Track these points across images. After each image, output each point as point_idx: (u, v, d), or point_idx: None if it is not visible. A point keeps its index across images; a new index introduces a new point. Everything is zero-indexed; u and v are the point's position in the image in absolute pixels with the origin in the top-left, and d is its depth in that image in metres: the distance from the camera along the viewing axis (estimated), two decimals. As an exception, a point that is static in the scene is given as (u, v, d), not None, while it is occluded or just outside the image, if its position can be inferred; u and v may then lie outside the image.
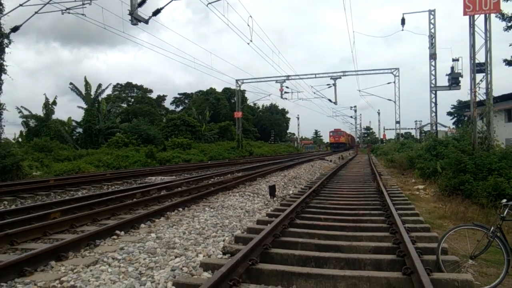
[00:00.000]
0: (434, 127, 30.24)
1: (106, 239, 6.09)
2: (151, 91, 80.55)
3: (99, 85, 40.28)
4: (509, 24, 21.96)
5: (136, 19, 14.18)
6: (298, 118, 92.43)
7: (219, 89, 77.02)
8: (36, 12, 16.34)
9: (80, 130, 40.57)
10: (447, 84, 29.27)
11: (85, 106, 39.19)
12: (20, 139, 34.57)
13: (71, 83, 40.04)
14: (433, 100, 29.82)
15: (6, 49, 17.12)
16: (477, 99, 12.38)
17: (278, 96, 42.14)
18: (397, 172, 20.65)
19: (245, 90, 62.26)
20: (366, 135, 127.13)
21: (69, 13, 16.24)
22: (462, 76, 28.13)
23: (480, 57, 12.27)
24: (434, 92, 29.72)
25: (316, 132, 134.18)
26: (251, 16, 22.22)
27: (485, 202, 9.04)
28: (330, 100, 42.05)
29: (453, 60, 28.09)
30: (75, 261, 5.03)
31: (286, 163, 25.33)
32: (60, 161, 23.39)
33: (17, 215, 7.81)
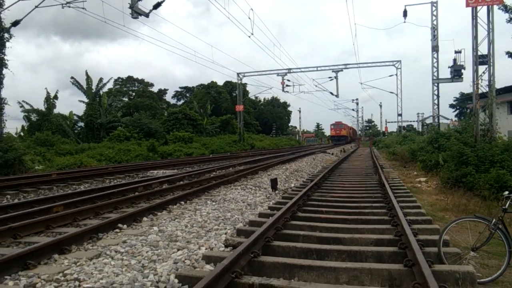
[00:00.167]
0: (436, 120, 30.15)
1: (109, 233, 6.12)
2: (152, 85, 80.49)
3: (100, 79, 40.32)
4: (512, 16, 21.76)
5: (136, 13, 14.12)
6: (299, 111, 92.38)
7: (220, 82, 76.90)
8: (36, 6, 16.31)
9: (81, 124, 40.62)
10: (449, 76, 29.12)
11: (86, 100, 39.22)
12: (22, 134, 34.62)
13: (72, 77, 40.07)
14: (435, 92, 29.69)
15: (7, 44, 17.15)
16: (480, 91, 12.34)
17: (279, 89, 42.15)
18: (399, 165, 20.65)
19: (246, 84, 62.20)
20: (368, 128, 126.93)
21: (69, 7, 16.21)
22: (464, 68, 27.99)
23: (483, 49, 12.22)
24: (436, 84, 29.57)
25: (317, 125, 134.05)
26: (252, 9, 22.17)
27: (487, 194, 9.04)
28: (331, 93, 42.02)
29: (456, 52, 27.93)
30: (78, 254, 5.05)
31: (287, 156, 25.33)
32: (62, 155, 23.45)
33: (20, 209, 7.85)
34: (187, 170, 17.08)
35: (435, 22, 29.47)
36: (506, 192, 4.71)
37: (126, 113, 53.03)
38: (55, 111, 37.84)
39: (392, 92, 43.29)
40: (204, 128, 49.44)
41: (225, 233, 5.98)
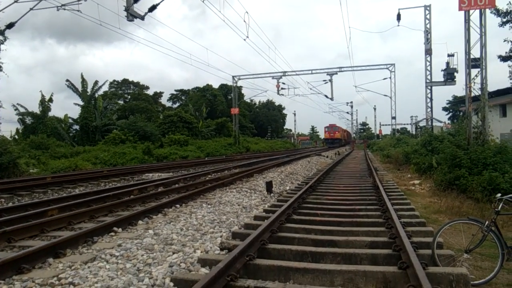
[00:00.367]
0: (429, 123, 30.35)
1: (104, 236, 6.10)
2: (147, 87, 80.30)
3: (96, 82, 40.17)
4: (504, 20, 22.05)
5: (132, 15, 14.10)
6: (294, 114, 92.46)
7: (215, 85, 76.81)
8: (31, 9, 16.23)
9: (76, 127, 40.38)
10: (442, 79, 29.35)
11: (81, 103, 39.04)
12: (16, 137, 34.40)
13: (67, 80, 39.91)
14: (429, 95, 29.91)
15: (2, 46, 17.12)
16: (472, 94, 12.44)
17: (274, 92, 42.44)
18: (393, 168, 20.75)
19: (241, 86, 62.11)
20: (362, 130, 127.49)
21: (64, 9, 16.14)
22: (457, 72, 28.23)
23: (475, 53, 12.32)
24: (429, 87, 29.79)
25: (312, 128, 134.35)
26: (247, 12, 22.21)
27: (480, 196, 9.12)
28: (326, 96, 42.12)
29: (449, 55, 28.19)
30: (73, 258, 5.04)
31: (283, 159, 25.37)
32: (57, 158, 23.33)
33: (15, 212, 7.81)
34: (183, 173, 17.06)
35: (428, 26, 29.70)
36: (499, 195, 4.76)
37: (122, 116, 52.81)
38: (50, 114, 37.69)
39: (386, 95, 43.52)
40: (199, 131, 49.38)
41: (221, 236, 5.99)
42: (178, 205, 8.76)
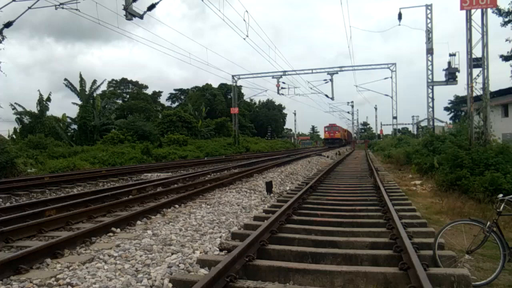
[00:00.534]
0: (431, 123, 30.33)
1: (102, 236, 6.06)
2: (146, 87, 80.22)
3: (94, 81, 40.15)
4: (506, 20, 22.03)
5: (130, 14, 14.04)
6: (295, 114, 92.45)
7: (215, 84, 76.78)
8: (29, 7, 16.14)
9: (75, 126, 40.32)
10: (444, 79, 29.33)
11: (79, 102, 39.01)
12: (14, 136, 34.34)
13: (65, 79, 39.85)
14: (430, 95, 29.89)
15: (0, 45, 16.99)
16: (474, 94, 12.39)
17: (274, 92, 42.30)
18: (394, 168, 20.71)
19: (241, 86, 62.07)
20: (363, 130, 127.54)
21: (62, 8, 16.05)
22: (459, 71, 28.21)
23: (477, 52, 12.27)
24: (431, 87, 29.77)
25: (313, 128, 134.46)
26: (247, 11, 22.15)
27: (482, 197, 9.07)
28: (327, 96, 42.00)
29: (450, 55, 28.18)
30: (70, 258, 5.00)
31: (283, 159, 25.34)
32: (55, 158, 23.26)
33: (12, 212, 7.77)
34: (182, 173, 17.02)
35: (429, 25, 29.69)
36: (501, 195, 4.73)
37: (120, 115, 52.76)
38: (48, 113, 37.59)
39: (387, 95, 43.42)
40: (198, 130, 49.35)
41: (220, 237, 5.95)
42: (177, 206, 8.71)
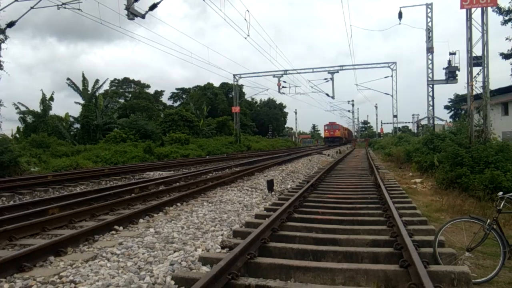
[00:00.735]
0: (431, 121, 30.31)
1: (105, 234, 6.10)
2: (148, 86, 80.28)
3: (96, 81, 40.13)
4: (506, 18, 22.00)
5: (132, 14, 14.08)
6: (295, 113, 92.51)
7: (216, 84, 76.77)
8: (32, 7, 16.22)
9: (77, 125, 40.42)
10: (444, 77, 29.32)
11: (82, 101, 39.01)
12: (17, 135, 34.40)
13: (68, 79, 39.87)
14: (430, 93, 29.88)
15: (2, 45, 17.11)
16: (474, 93, 12.40)
17: (275, 91, 42.13)
18: (394, 166, 20.72)
19: (242, 85, 62.04)
20: (363, 129, 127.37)
21: (65, 8, 16.13)
22: (459, 70, 28.20)
23: (477, 51, 12.27)
24: (431, 85, 29.76)
25: (314, 127, 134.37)
26: (248, 11, 22.18)
27: (482, 195, 9.09)
28: (327, 95, 42.04)
29: (450, 53, 28.17)
30: (74, 256, 5.04)
31: (284, 157, 25.35)
32: (58, 157, 23.34)
33: (16, 211, 7.81)
34: (184, 172, 17.05)
35: (430, 24, 29.65)
36: (501, 193, 4.75)
37: (122, 114, 52.84)
38: (51, 112, 37.68)
39: (387, 94, 43.39)
40: (200, 129, 49.38)
41: (222, 235, 5.98)
42: (179, 204, 8.76)
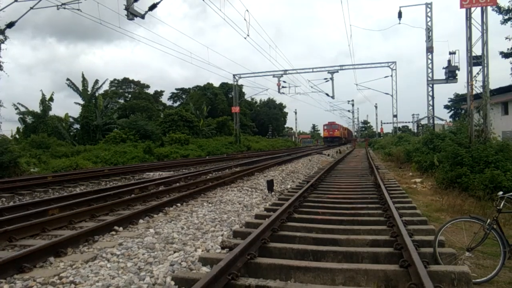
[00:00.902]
0: (431, 121, 30.31)
1: (105, 235, 6.10)
2: (148, 86, 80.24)
3: (96, 81, 40.13)
4: (506, 17, 21.99)
5: (132, 14, 14.08)
6: (295, 113, 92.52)
7: (216, 84, 76.74)
8: (31, 8, 16.22)
9: (77, 126, 40.40)
10: (444, 77, 29.31)
11: (82, 102, 39.01)
12: (17, 136, 34.41)
13: (68, 79, 39.84)
14: (430, 93, 29.87)
15: (2, 45, 17.11)
16: (474, 92, 12.40)
17: (275, 91, 42.13)
18: (394, 166, 20.72)
19: (242, 85, 62.07)
20: (363, 129, 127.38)
21: (64, 8, 16.13)
22: (459, 69, 28.18)
23: (477, 50, 12.28)
24: (431, 85, 29.75)
25: (313, 126, 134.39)
26: (247, 10, 22.18)
27: (482, 194, 9.09)
28: (327, 94, 42.04)
29: (450, 53, 28.15)
30: (74, 257, 5.04)
31: (284, 157, 25.35)
32: (58, 157, 23.34)
33: (16, 211, 7.82)
34: (184, 172, 17.05)
35: (429, 24, 29.64)
36: (501, 193, 4.75)
37: (122, 115, 52.85)
38: (51, 113, 37.71)
39: (387, 93, 43.40)
40: (200, 129, 49.38)
41: (222, 235, 5.98)
42: (179, 204, 8.76)
